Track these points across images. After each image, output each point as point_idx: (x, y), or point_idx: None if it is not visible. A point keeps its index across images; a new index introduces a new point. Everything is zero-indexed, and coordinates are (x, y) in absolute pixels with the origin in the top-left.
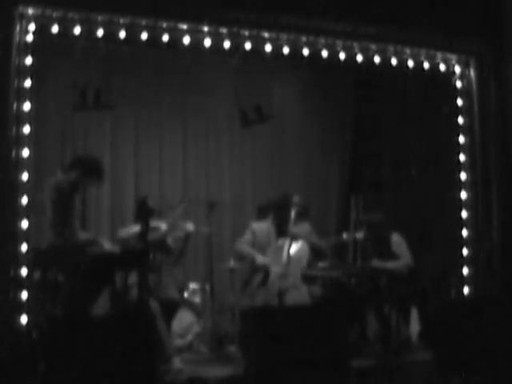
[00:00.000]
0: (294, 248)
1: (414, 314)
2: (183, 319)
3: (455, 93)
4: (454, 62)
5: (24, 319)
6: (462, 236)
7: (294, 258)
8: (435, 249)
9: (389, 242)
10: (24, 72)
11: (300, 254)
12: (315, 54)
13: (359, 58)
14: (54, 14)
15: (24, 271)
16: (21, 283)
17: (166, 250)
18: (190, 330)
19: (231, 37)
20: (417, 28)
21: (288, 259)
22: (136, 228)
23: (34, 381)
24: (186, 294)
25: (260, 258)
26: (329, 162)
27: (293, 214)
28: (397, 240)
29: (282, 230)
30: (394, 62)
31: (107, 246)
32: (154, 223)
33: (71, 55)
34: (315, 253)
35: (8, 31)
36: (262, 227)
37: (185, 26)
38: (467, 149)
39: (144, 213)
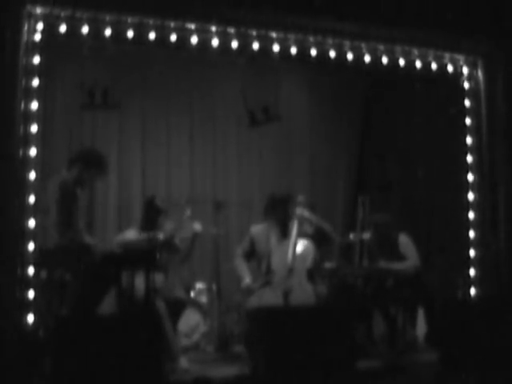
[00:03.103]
0: (299, 247)
1: (421, 315)
2: (189, 319)
3: (463, 93)
4: (461, 62)
5: (30, 318)
6: (468, 237)
7: (299, 257)
8: (442, 250)
9: (396, 243)
10: (32, 71)
11: (305, 253)
12: (323, 54)
13: (367, 58)
14: (62, 14)
15: (31, 270)
16: (27, 282)
17: (174, 250)
18: (196, 330)
19: (239, 37)
20: (424, 29)
21: (293, 258)
22: (131, 233)
23: (41, 380)
24: (192, 294)
25: (245, 282)
26: (336, 162)
27: (298, 211)
28: (404, 240)
29: (284, 228)
30: (401, 62)
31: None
32: (158, 228)
33: (79, 54)
34: (324, 241)
35: (16, 30)
36: (262, 229)
37: (193, 26)
38: (474, 150)
39: (152, 212)
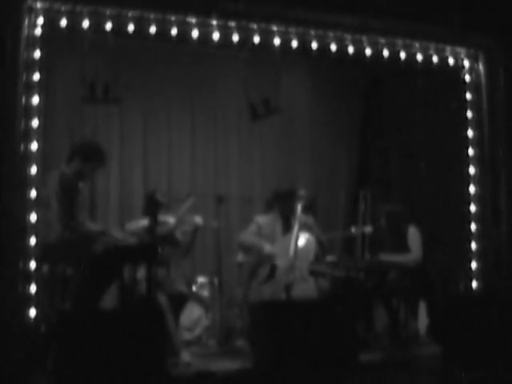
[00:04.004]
0: (302, 241)
1: (423, 308)
2: (191, 313)
3: (464, 87)
4: (462, 55)
5: (32, 313)
6: (470, 230)
7: (302, 251)
8: (444, 243)
9: (405, 234)
10: (32, 66)
11: (307, 247)
12: (324, 47)
13: (368, 51)
14: (63, 8)
15: (33, 265)
16: (29, 277)
17: (175, 244)
18: (198, 324)
19: (240, 30)
20: (426, 22)
21: (295, 252)
22: (144, 221)
23: (43, 375)
24: (194, 288)
25: (267, 247)
26: (337, 155)
27: (299, 207)
28: (412, 232)
29: (287, 222)
30: (402, 55)
31: (119, 236)
32: (162, 217)
33: (80, 49)
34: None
35: (16, 25)
36: (267, 220)
37: (193, 20)
38: (476, 143)
39: (152, 206)
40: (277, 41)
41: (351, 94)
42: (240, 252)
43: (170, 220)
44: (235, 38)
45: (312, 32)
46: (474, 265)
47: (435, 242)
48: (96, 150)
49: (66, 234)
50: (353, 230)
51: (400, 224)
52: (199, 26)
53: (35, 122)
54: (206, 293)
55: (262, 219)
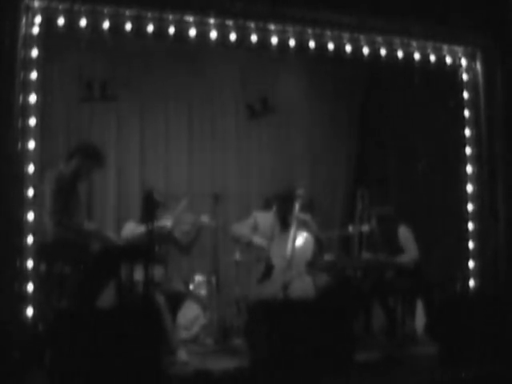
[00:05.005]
0: (300, 239)
1: (420, 307)
2: (189, 312)
3: (461, 86)
4: (460, 54)
5: (30, 312)
6: (467, 229)
7: (299, 250)
8: (441, 242)
9: (397, 235)
10: (30, 64)
11: (305, 246)
12: (321, 46)
13: (365, 50)
14: (60, 7)
15: (30, 263)
16: (27, 275)
17: (173, 243)
18: (195, 323)
19: (237, 29)
20: (423, 21)
21: (292, 250)
22: (139, 228)
23: (40, 373)
24: (191, 287)
25: (257, 239)
26: (335, 154)
27: (297, 206)
28: (404, 233)
29: (285, 222)
30: (400, 54)
31: (112, 237)
32: (159, 220)
33: (77, 47)
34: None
35: (14, 23)
36: (266, 217)
37: (191, 18)
38: (473, 142)
39: (150, 206)
40: (274, 39)
41: (349, 93)
42: (237, 250)
43: (168, 223)
44: (233, 36)
45: (309, 31)
46: (471, 264)
47: (432, 241)
48: (96, 151)
49: (61, 232)
50: (350, 228)
51: (390, 226)
52: (196, 24)
53: (32, 121)
54: (203, 291)
55: (260, 215)
